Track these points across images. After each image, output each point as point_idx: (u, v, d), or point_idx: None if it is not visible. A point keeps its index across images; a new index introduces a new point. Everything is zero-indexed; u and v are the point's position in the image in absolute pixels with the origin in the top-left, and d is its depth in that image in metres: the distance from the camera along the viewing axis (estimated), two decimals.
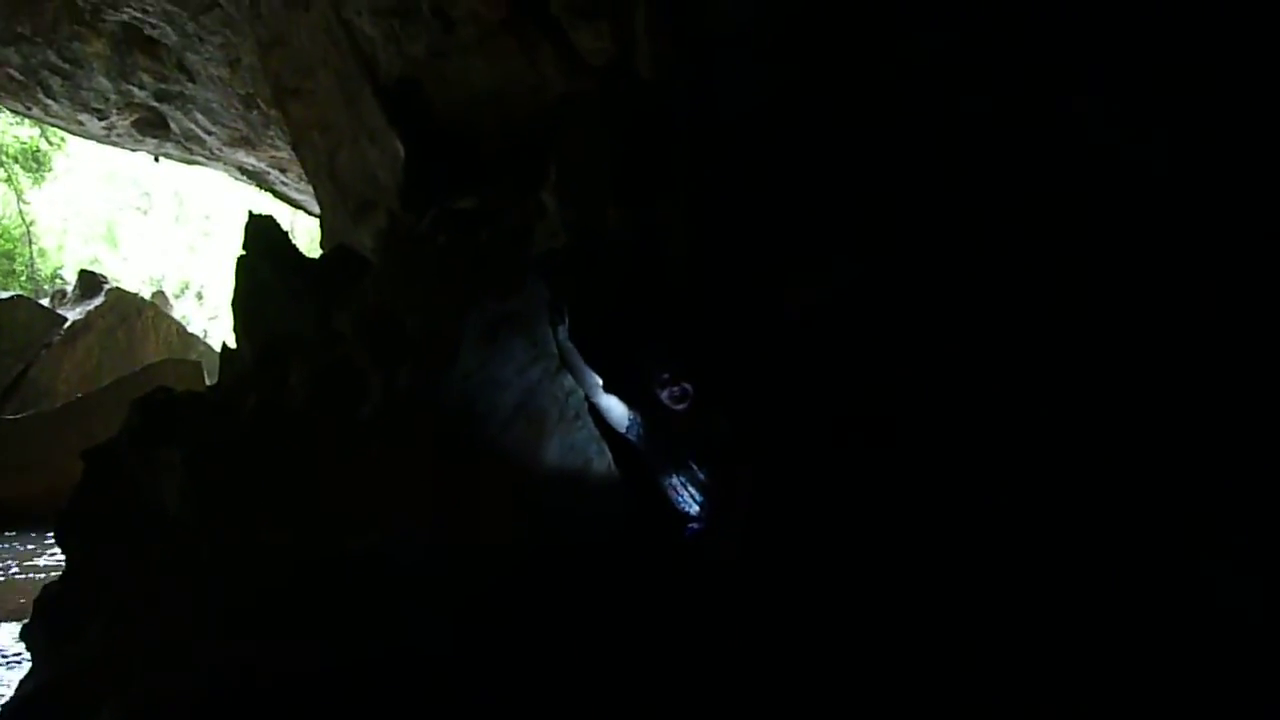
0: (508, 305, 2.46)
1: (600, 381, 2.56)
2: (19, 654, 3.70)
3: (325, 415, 2.41)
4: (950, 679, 1.70)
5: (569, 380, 2.58)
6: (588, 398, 2.59)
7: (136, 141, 7.17)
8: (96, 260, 16.25)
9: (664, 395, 2.55)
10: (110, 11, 5.25)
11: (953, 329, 2.03)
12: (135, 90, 6.15)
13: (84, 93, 6.26)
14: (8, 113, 9.84)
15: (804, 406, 2.44)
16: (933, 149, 1.99)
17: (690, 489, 2.54)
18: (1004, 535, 1.78)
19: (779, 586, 2.30)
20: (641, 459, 2.62)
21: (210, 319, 17.61)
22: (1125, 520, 1.58)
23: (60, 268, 16.01)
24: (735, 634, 2.22)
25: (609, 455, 2.59)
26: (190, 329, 13.55)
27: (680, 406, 2.54)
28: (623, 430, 2.61)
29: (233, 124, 6.28)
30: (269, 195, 8.54)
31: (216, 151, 6.96)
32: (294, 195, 8.04)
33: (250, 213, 3.51)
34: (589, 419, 2.60)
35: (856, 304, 2.35)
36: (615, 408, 2.60)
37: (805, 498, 2.40)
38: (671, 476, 2.56)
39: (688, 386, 2.53)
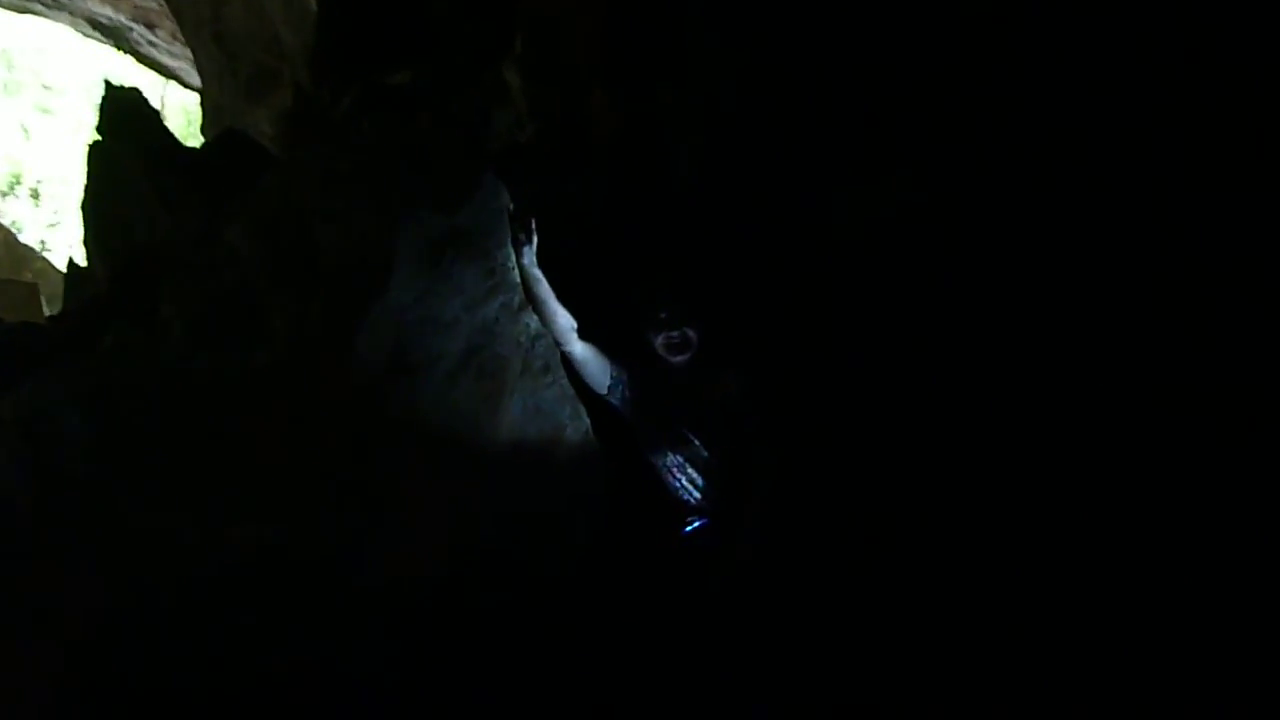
0: (456, 219, 2.40)
1: (575, 324, 2.58)
2: None
3: (208, 361, 2.35)
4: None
5: (535, 321, 2.56)
6: (559, 345, 2.59)
7: None
8: None
9: (658, 342, 2.62)
10: None
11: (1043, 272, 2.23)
12: None
13: None
14: None
15: (848, 364, 2.55)
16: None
17: (691, 472, 2.61)
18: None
19: (805, 603, 2.39)
20: (628, 429, 2.67)
21: (50, 225, 17.23)
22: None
23: None
24: (746, 664, 2.29)
25: (586, 422, 2.61)
26: (22, 239, 13.27)
27: (679, 358, 2.62)
28: (603, 390, 2.65)
29: None
30: (131, 59, 8.33)
31: None
32: (165, 60, 7.80)
33: (107, 83, 3.43)
34: (561, 373, 2.61)
35: (926, 228, 2.43)
36: (594, 360, 2.63)
37: (844, 488, 2.51)
38: (667, 454, 2.63)
39: (690, 332, 2.60)
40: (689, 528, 2.61)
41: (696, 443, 2.63)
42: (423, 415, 2.36)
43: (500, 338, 2.49)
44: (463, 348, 2.43)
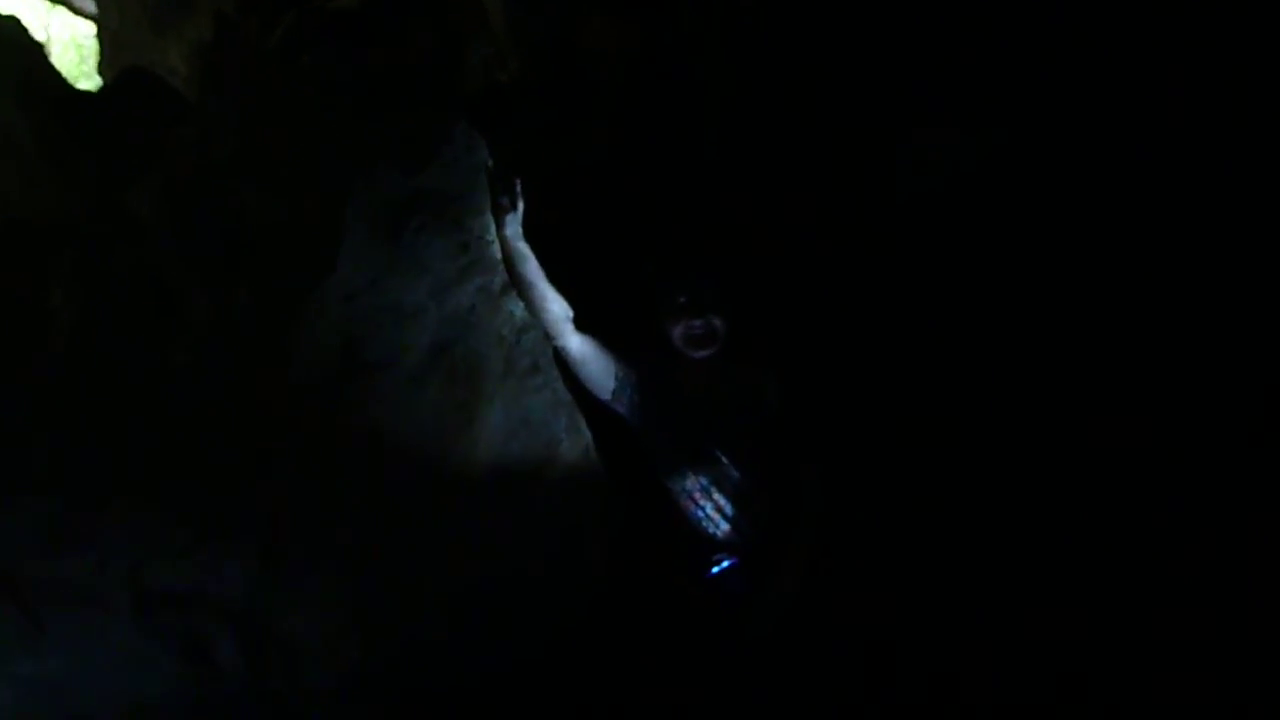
0: (420, 180, 2.33)
1: (570, 312, 2.53)
2: None
3: (107, 362, 2.29)
4: None
5: (520, 309, 2.52)
6: (551, 339, 2.55)
7: None
8: None
9: (677, 334, 2.59)
10: None
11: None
12: None
13: None
14: None
15: (918, 358, 2.57)
16: None
17: (718, 498, 2.59)
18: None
19: (859, 663, 2.41)
20: (639, 445, 2.66)
21: None
22: None
23: None
24: None
25: (586, 436, 2.59)
26: None
27: (702, 354, 2.58)
28: (606, 396, 2.61)
29: None
30: None
31: None
32: None
33: None
34: (553, 374, 2.58)
35: (1011, 185, 2.44)
36: (595, 358, 2.59)
37: (913, 517, 2.53)
38: (687, 476, 2.60)
39: (716, 322, 2.57)
40: (716, 569, 2.56)
41: (724, 461, 2.59)
42: (378, 429, 2.31)
43: (477, 330, 2.45)
44: (429, 343, 2.38)
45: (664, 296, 2.64)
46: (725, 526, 2.58)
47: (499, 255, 2.47)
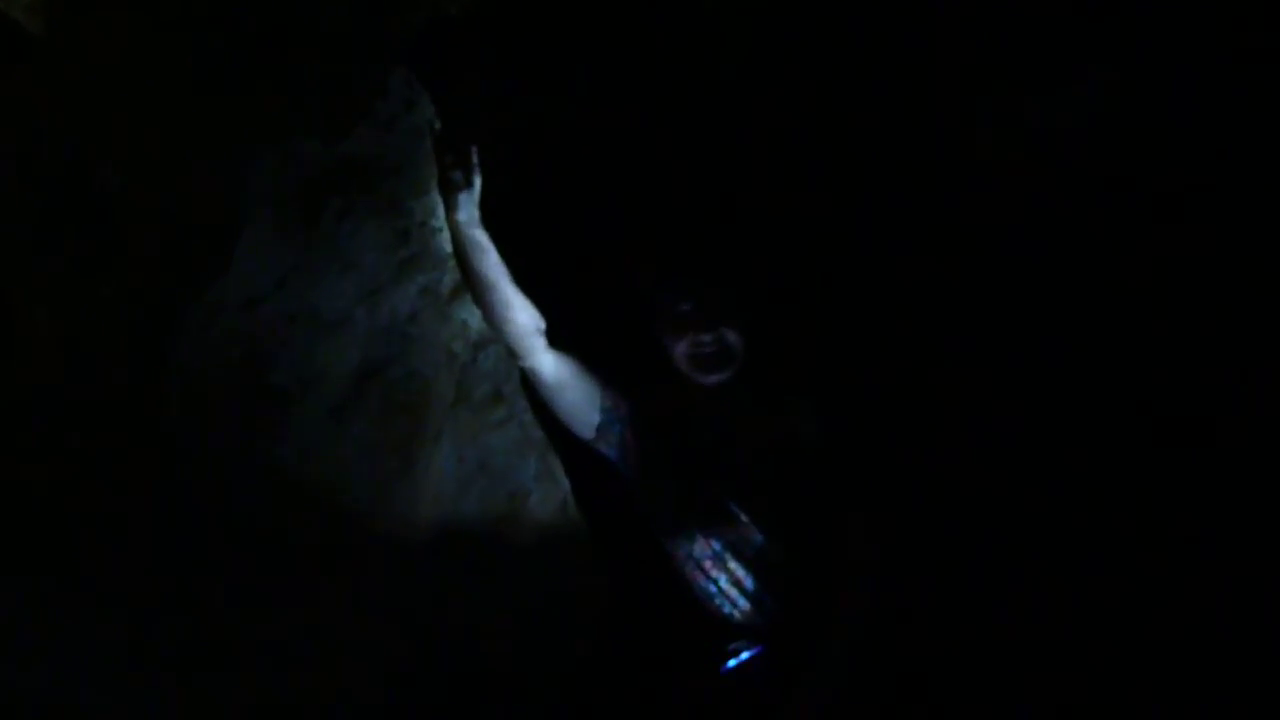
0: (344, 148, 2.23)
1: (542, 323, 2.49)
2: None
3: None
4: None
5: (476, 319, 2.43)
6: (516, 358, 2.50)
7: None
8: None
9: (681, 353, 2.53)
10: None
11: None
12: None
13: None
14: None
15: (1003, 376, 2.62)
16: None
17: (735, 567, 2.51)
18: None
19: None
20: (632, 498, 2.63)
21: None
22: None
23: None
24: None
25: (564, 487, 2.52)
26: None
27: (714, 377, 2.52)
28: (590, 434, 2.59)
29: None
30: None
31: None
32: None
33: None
34: (520, 405, 2.51)
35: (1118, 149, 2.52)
36: (574, 383, 2.56)
37: (990, 591, 2.60)
38: (695, 540, 2.54)
39: (730, 336, 2.51)
40: (734, 661, 2.45)
41: (744, 520, 2.48)
42: (287, 478, 2.20)
43: (419, 345, 2.35)
44: (357, 363, 2.27)
45: (664, 303, 2.56)
46: (745, 605, 2.48)
47: (448, 247, 2.38)
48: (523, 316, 2.44)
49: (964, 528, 2.67)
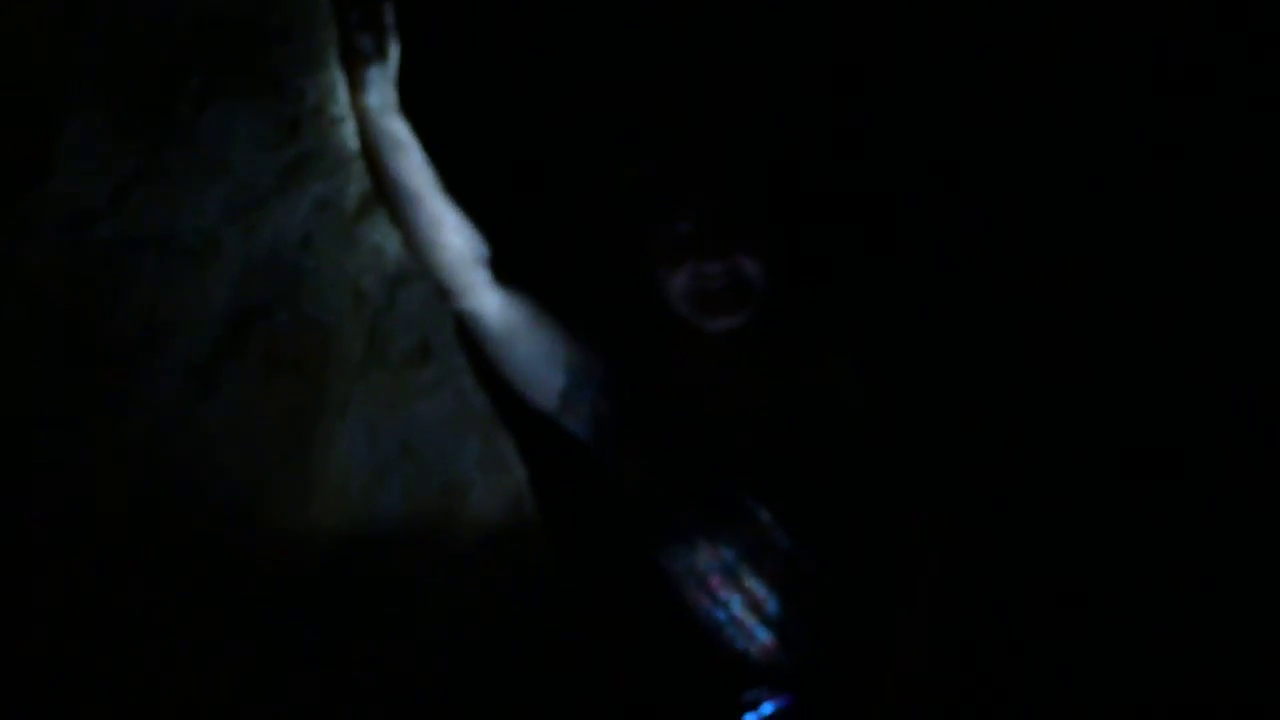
0: (206, 2, 2.15)
1: (485, 249, 2.40)
2: None
3: None
4: None
5: (392, 243, 2.36)
6: (450, 298, 2.43)
7: None
8: None
9: (678, 288, 2.42)
10: None
11: None
12: None
13: None
14: None
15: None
16: None
17: (751, 586, 2.44)
18: None
19: None
20: (610, 492, 2.58)
21: None
22: None
23: None
24: None
25: (517, 476, 2.51)
26: None
27: (723, 322, 2.42)
28: (553, 403, 2.51)
29: None
30: None
31: None
32: None
33: None
34: (455, 362, 2.46)
35: None
36: (532, 335, 2.48)
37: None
38: (697, 549, 2.47)
39: (747, 265, 2.40)
40: (754, 715, 2.37)
41: (764, 519, 2.38)
42: (133, 468, 2.08)
43: (314, 281, 2.27)
44: (226, 305, 2.18)
45: (656, 220, 2.42)
46: (766, 637, 2.38)
47: (354, 144, 2.27)
48: (458, 240, 2.32)
49: (1052, 530, 2.69)
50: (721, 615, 2.39)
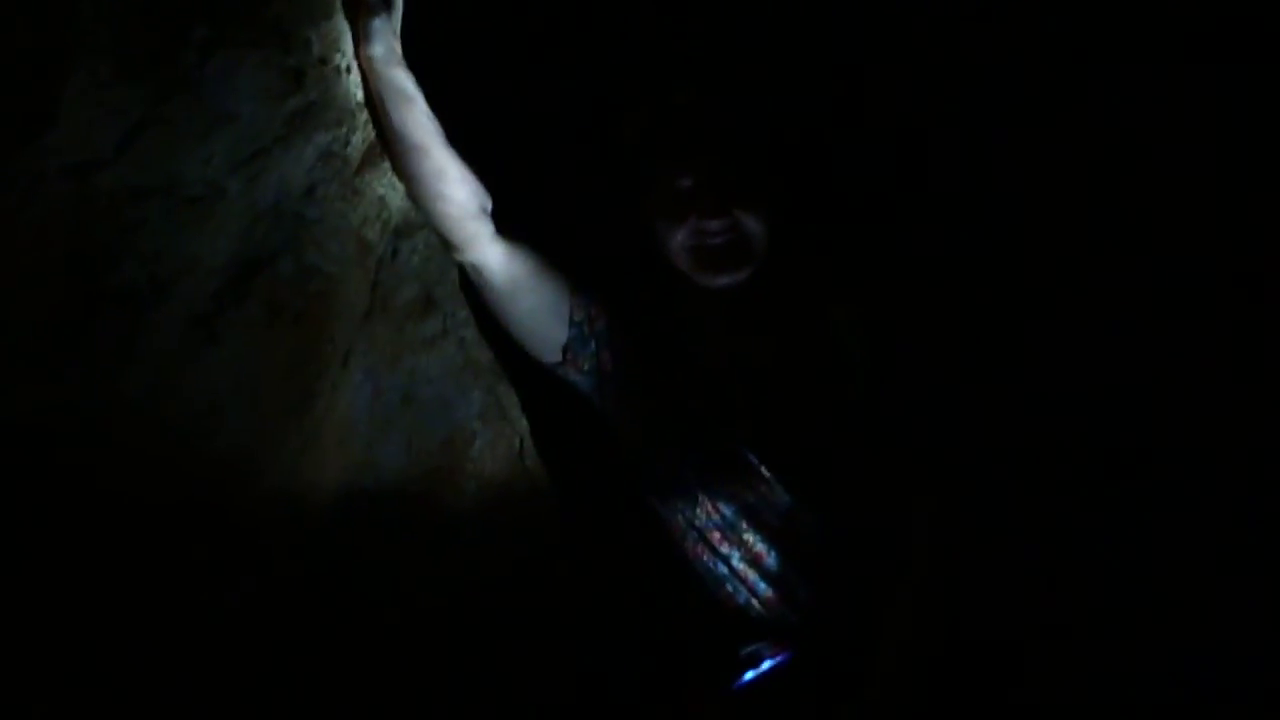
0: None
1: (489, 203, 2.38)
2: None
3: None
4: None
5: (396, 194, 2.39)
6: (454, 251, 2.41)
7: None
8: None
9: (679, 243, 2.39)
10: None
11: None
12: None
13: None
14: None
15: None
16: None
17: (751, 540, 2.45)
18: None
19: None
20: (611, 444, 2.58)
21: None
22: None
23: None
24: None
25: (519, 428, 2.59)
26: None
27: (726, 278, 2.40)
28: (555, 356, 2.50)
29: None
30: None
31: None
32: None
33: None
34: (460, 315, 2.53)
35: None
36: (535, 287, 2.46)
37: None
38: (698, 503, 2.47)
39: (749, 221, 2.38)
40: (752, 672, 2.37)
41: (765, 475, 2.37)
42: (133, 412, 2.08)
43: (318, 231, 2.28)
44: (230, 256, 2.18)
45: (658, 175, 2.40)
46: (766, 591, 2.40)
47: (358, 94, 2.27)
48: (462, 192, 2.29)
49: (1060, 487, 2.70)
50: (722, 569, 2.42)
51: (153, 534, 2.08)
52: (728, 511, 2.40)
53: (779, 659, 2.38)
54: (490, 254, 2.35)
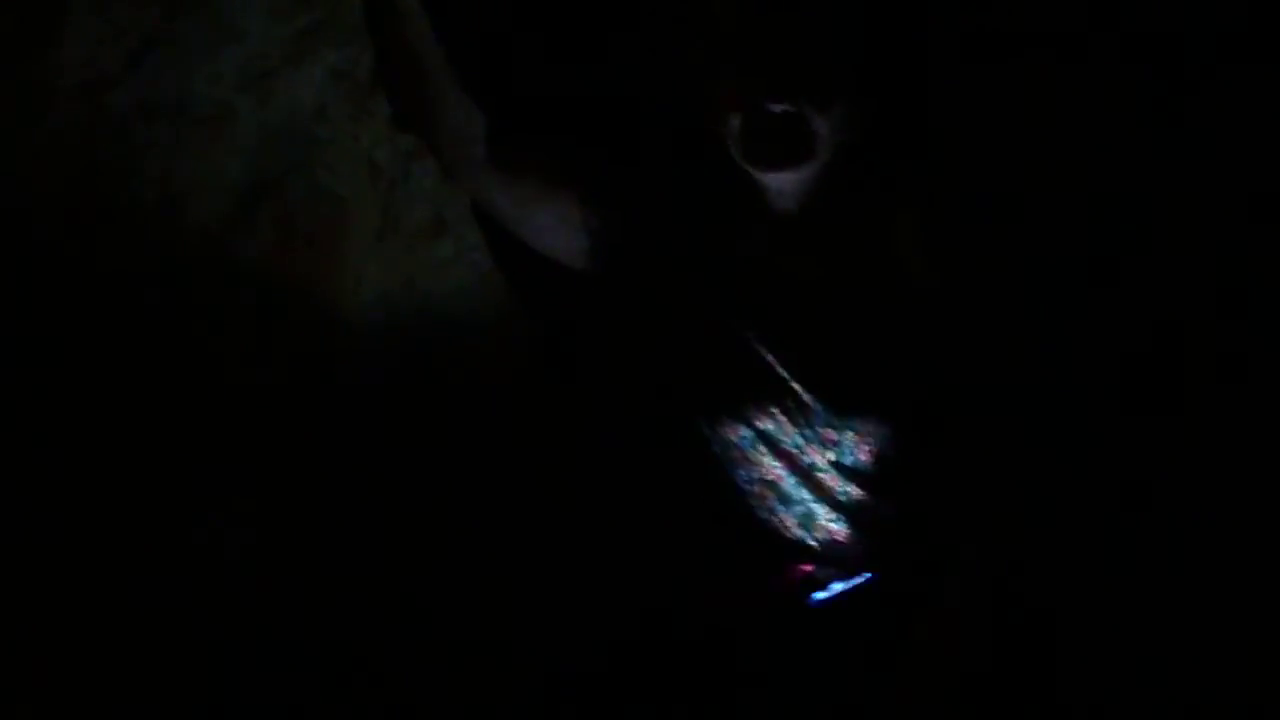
0: None
1: (484, 129, 2.30)
2: None
3: None
4: None
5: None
6: (454, 174, 2.37)
7: None
8: None
9: (734, 133, 2.18)
10: None
11: None
12: None
13: None
14: None
15: None
16: None
17: (813, 463, 2.29)
18: None
19: None
20: (637, 355, 2.50)
21: None
22: None
23: None
24: None
25: (533, 349, 2.57)
26: None
27: (783, 174, 2.20)
28: (577, 266, 2.38)
29: None
30: None
31: None
32: None
33: None
34: (471, 237, 2.46)
35: None
36: (545, 200, 2.36)
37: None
38: (747, 418, 2.30)
39: (813, 115, 2.14)
40: (821, 594, 2.28)
41: (806, 397, 2.23)
42: (154, 328, 2.10)
43: (328, 151, 2.26)
44: (243, 176, 2.17)
45: (721, 54, 2.19)
46: (822, 518, 2.28)
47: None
48: (456, 118, 2.22)
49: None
50: (770, 489, 2.29)
51: (163, 449, 2.09)
52: (766, 429, 2.27)
53: (847, 584, 2.27)
54: (493, 179, 2.30)
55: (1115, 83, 2.76)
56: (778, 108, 2.09)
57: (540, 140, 2.37)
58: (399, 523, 2.38)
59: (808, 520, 2.29)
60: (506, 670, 2.46)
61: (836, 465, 2.27)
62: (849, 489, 2.27)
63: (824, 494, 2.28)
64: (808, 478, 2.29)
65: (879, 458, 2.26)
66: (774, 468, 2.30)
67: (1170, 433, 2.66)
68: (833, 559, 2.29)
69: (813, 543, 2.29)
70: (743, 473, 2.34)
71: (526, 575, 2.50)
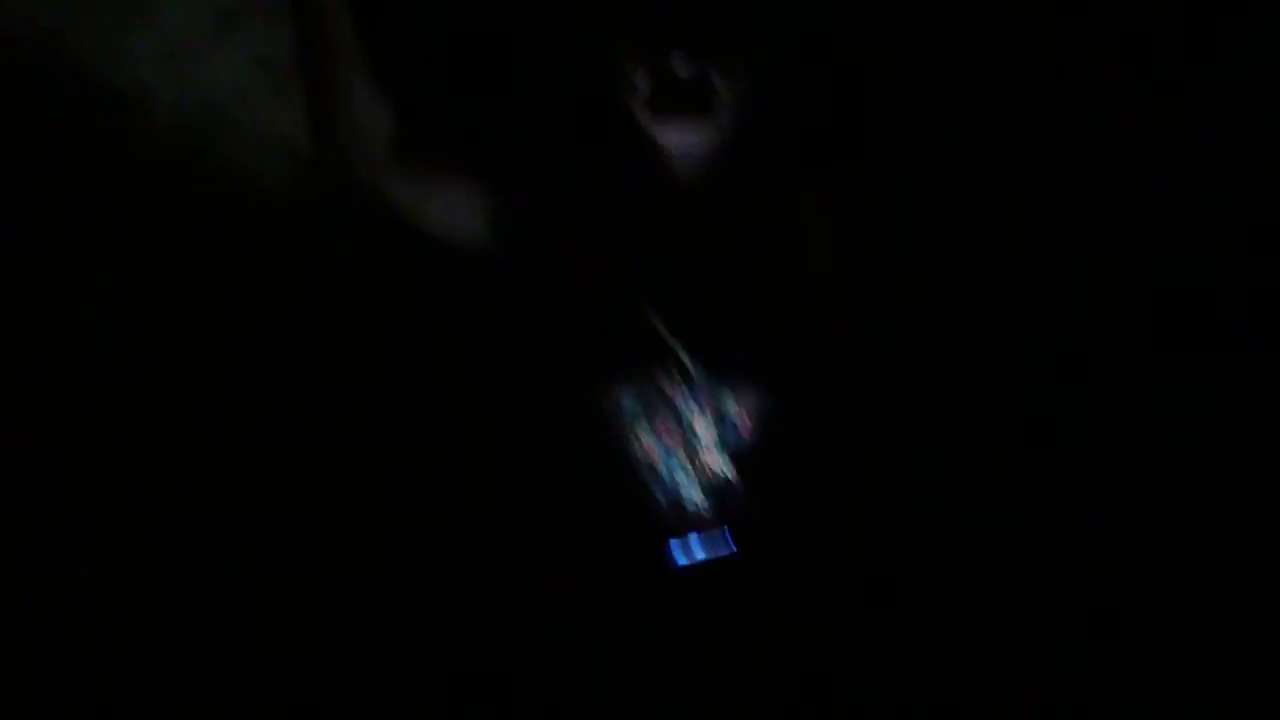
0: None
1: (393, 128, 2.27)
2: None
3: None
4: None
5: None
6: (353, 172, 2.27)
7: None
8: None
9: (641, 82, 2.13)
10: None
11: None
12: None
13: None
14: None
15: None
16: None
17: (671, 432, 2.21)
18: None
19: None
20: (530, 329, 2.35)
21: None
22: None
23: None
24: None
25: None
26: None
27: (680, 132, 2.15)
28: (476, 249, 2.29)
29: None
30: None
31: None
32: None
33: None
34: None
35: None
36: (443, 194, 2.29)
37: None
38: (617, 390, 2.23)
39: (714, 67, 2.12)
40: (686, 560, 2.19)
41: (695, 371, 2.14)
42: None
43: (247, 132, 2.32)
44: (160, 154, 2.26)
45: (605, 17, 2.16)
46: (695, 485, 2.19)
47: None
48: (362, 110, 2.15)
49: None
50: (648, 459, 2.20)
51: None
52: (649, 400, 2.16)
53: (709, 550, 2.18)
54: (390, 172, 2.24)
55: (1048, 75, 2.59)
56: (682, 64, 2.04)
57: (440, 129, 2.30)
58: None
59: (680, 493, 2.21)
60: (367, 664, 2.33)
61: (718, 442, 2.18)
62: (725, 468, 2.18)
63: (701, 470, 2.20)
64: (687, 451, 2.20)
65: (758, 437, 2.17)
66: (652, 442, 2.20)
67: (1055, 432, 2.55)
68: (701, 530, 2.21)
69: (687, 511, 2.21)
70: (622, 445, 2.23)
71: (401, 556, 2.38)
